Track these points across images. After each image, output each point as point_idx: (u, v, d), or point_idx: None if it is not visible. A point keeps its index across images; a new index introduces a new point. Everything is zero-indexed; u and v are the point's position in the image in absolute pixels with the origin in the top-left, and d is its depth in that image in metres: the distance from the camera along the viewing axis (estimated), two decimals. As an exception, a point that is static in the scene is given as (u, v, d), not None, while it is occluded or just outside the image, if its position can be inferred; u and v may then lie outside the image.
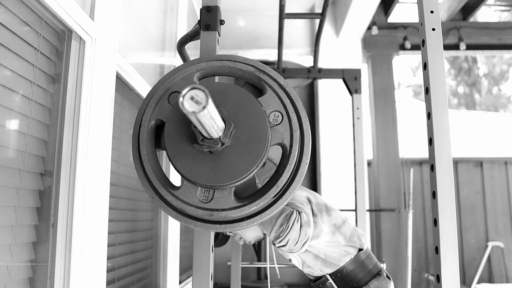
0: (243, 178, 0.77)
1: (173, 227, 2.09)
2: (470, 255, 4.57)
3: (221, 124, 0.72)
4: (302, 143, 0.81)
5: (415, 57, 7.49)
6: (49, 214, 1.03)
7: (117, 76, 1.37)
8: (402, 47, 4.42)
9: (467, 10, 4.55)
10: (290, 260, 1.43)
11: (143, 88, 1.70)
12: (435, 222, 0.84)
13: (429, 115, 0.90)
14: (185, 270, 2.61)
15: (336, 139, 3.82)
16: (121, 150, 1.53)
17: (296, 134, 0.80)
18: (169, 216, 1.02)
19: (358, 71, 2.19)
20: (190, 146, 0.77)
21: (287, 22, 2.27)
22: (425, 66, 0.92)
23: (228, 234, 1.51)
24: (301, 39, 4.16)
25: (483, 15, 7.35)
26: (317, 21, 3.93)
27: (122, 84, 1.53)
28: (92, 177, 1.11)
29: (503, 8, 5.24)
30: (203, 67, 0.87)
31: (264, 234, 1.45)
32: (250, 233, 1.40)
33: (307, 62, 3.97)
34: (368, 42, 4.34)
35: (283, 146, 0.81)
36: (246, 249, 3.61)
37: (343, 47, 4.06)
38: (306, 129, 0.82)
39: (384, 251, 3.96)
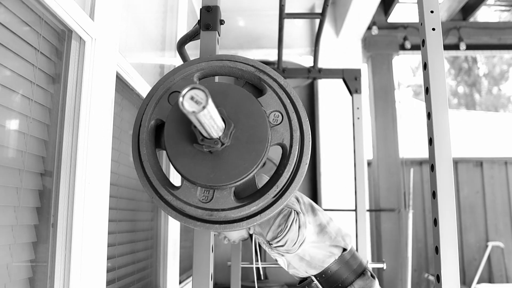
0: (243, 178, 0.77)
1: (173, 227, 2.09)
2: (470, 255, 4.57)
3: (221, 124, 0.72)
4: (302, 143, 0.81)
5: (415, 57, 7.49)
6: (49, 214, 1.03)
7: (117, 76, 1.37)
8: (402, 47, 4.42)
9: (467, 10, 4.55)
10: (276, 260, 1.43)
11: (143, 88, 1.70)
12: (435, 222, 0.84)
13: (429, 115, 0.90)
14: (185, 270, 2.61)
15: (336, 139, 3.82)
16: (121, 150, 1.53)
17: (296, 134, 0.80)
18: (169, 216, 1.02)
19: (358, 71, 2.19)
20: (190, 146, 0.77)
21: (287, 22, 2.27)
22: (425, 66, 0.92)
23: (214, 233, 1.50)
24: (301, 39, 4.16)
25: (483, 15, 7.35)
26: (317, 21, 3.93)
27: (122, 84, 1.53)
28: (92, 177, 1.11)
29: (503, 8, 5.24)
30: (203, 67, 0.87)
31: (249, 234, 1.45)
32: (234, 232, 1.39)
33: (307, 62, 3.97)
34: (368, 42, 4.34)
35: (283, 146, 0.81)
36: (246, 249, 3.61)
37: (343, 47, 4.06)
38: (306, 129, 0.82)
39: (384, 251, 3.96)
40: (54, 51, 1.08)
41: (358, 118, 2.13)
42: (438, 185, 0.85)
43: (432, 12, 0.94)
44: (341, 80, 2.22)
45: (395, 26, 4.43)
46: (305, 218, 1.24)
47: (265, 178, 1.25)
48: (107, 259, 1.25)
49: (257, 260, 1.62)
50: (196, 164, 0.77)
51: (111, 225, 1.38)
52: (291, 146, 0.80)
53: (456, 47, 4.45)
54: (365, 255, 1.98)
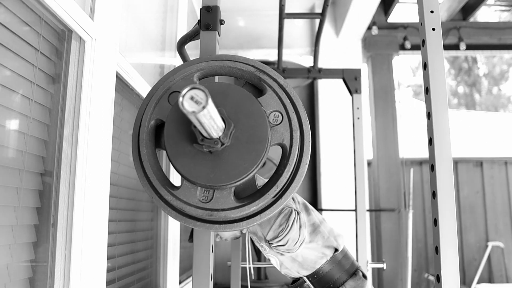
0: (243, 178, 0.77)
1: (173, 227, 2.09)
2: (470, 255, 4.57)
3: (221, 124, 0.72)
4: (302, 143, 0.81)
5: (415, 57, 7.49)
6: (49, 214, 1.03)
7: (117, 76, 1.37)
8: (402, 47, 4.42)
9: (467, 10, 4.55)
10: (269, 260, 1.43)
11: (143, 88, 1.70)
12: (435, 222, 0.84)
13: (429, 115, 0.90)
14: (185, 270, 2.61)
15: (336, 139, 3.82)
16: (121, 150, 1.53)
17: (296, 134, 0.80)
18: (169, 216, 1.02)
19: (358, 71, 2.19)
20: (190, 146, 0.77)
21: (287, 22, 2.27)
22: (425, 66, 0.92)
23: None
24: (301, 39, 4.16)
25: (483, 15, 7.35)
26: (317, 21, 3.93)
27: (122, 84, 1.53)
28: (92, 177, 1.11)
29: (503, 8, 5.24)
30: (203, 67, 0.87)
31: (241, 232, 1.45)
32: None
33: (307, 62, 3.97)
34: (368, 42, 4.34)
35: (283, 146, 0.81)
36: (246, 249, 3.61)
37: (343, 47, 4.06)
38: (306, 129, 0.82)
39: (384, 251, 3.96)
40: (54, 51, 1.08)
41: (358, 118, 2.13)
42: (438, 185, 0.85)
43: (432, 12, 0.94)
44: (341, 80, 2.22)
45: (395, 26, 4.43)
46: (305, 218, 1.24)
47: (262, 180, 1.24)
48: (107, 259, 1.26)
49: (259, 260, 1.61)
50: (196, 164, 0.77)
51: (111, 225, 1.38)
52: (291, 146, 0.80)
53: (456, 47, 4.45)
54: (365, 255, 1.98)
